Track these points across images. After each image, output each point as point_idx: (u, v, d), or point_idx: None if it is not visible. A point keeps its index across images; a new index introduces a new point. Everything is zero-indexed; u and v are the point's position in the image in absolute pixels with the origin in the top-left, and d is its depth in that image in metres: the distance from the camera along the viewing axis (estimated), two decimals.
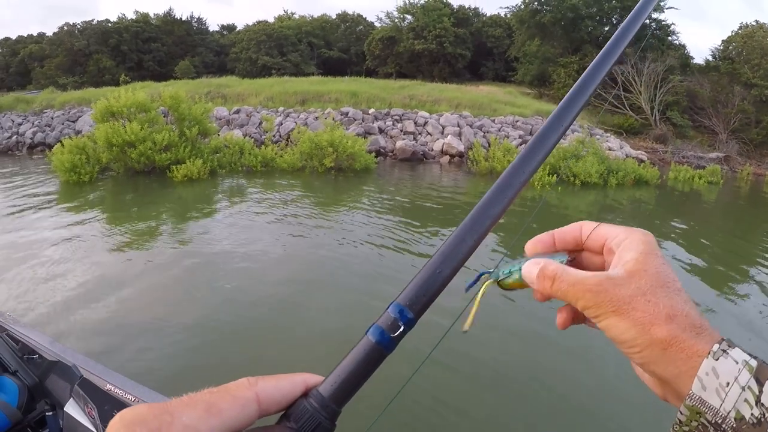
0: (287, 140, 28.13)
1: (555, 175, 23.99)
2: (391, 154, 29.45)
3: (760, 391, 0.63)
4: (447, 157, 29.25)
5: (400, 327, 0.77)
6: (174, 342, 7.70)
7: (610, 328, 0.73)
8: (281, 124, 31.20)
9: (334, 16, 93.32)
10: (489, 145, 28.04)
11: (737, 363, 0.65)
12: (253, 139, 28.14)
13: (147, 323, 8.23)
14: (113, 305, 8.96)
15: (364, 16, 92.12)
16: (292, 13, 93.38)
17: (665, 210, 23.02)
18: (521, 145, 30.14)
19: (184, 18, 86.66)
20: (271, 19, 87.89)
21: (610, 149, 32.83)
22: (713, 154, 40.52)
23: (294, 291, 9.99)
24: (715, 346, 0.66)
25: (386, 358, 0.77)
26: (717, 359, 0.65)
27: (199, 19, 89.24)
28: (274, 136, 29.74)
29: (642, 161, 31.71)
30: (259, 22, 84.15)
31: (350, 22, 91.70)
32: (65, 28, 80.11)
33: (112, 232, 13.78)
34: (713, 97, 48.06)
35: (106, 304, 8.96)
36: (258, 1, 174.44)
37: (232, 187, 20.68)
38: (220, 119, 32.40)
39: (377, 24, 80.00)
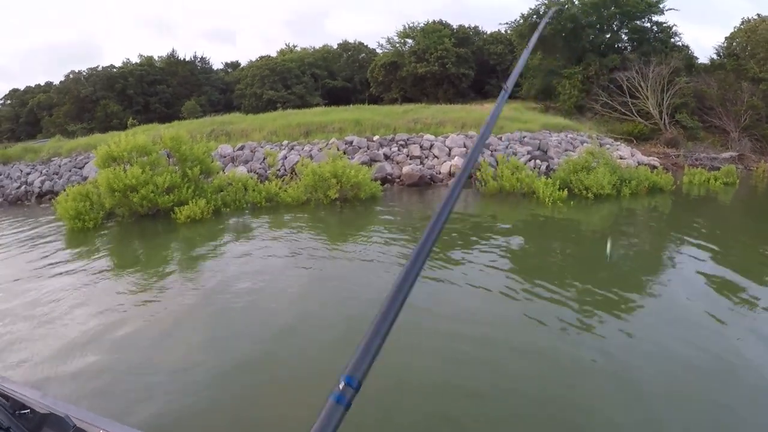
0: (292, 173, 27.71)
1: (566, 189, 23.44)
2: (398, 180, 28.98)
3: None
4: None
5: (351, 391, 1.11)
6: (191, 387, 7.73)
7: None
8: (285, 157, 30.85)
9: (335, 46, 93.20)
10: (497, 164, 27.51)
11: None
12: (257, 175, 27.89)
13: (157, 370, 8.26)
14: (120, 353, 9.01)
15: (365, 44, 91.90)
16: (294, 46, 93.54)
17: (682, 217, 22.51)
18: (530, 161, 29.78)
19: (187, 59, 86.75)
20: (273, 54, 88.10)
21: (621, 158, 32.30)
22: (726, 154, 40.09)
23: (307, 329, 9.90)
24: None
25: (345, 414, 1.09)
26: None
27: (202, 58, 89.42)
28: (278, 170, 29.42)
29: (655, 167, 31.11)
30: (261, 58, 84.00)
31: (352, 51, 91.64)
32: (71, 75, 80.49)
33: (116, 279, 13.72)
34: (721, 95, 47.34)
35: (112, 352, 9.02)
36: (260, 37, 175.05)
37: (237, 225, 20.34)
38: (225, 156, 32.08)
39: (379, 51, 79.74)
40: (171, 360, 8.74)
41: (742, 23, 52.86)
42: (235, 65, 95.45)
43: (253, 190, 23.47)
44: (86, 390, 7.74)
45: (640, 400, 7.11)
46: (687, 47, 56.38)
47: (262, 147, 33.03)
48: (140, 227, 20.48)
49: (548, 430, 6.76)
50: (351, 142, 32.03)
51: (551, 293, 11.54)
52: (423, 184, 28.49)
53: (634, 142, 43.85)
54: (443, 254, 15.00)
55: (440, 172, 29.63)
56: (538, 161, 30.30)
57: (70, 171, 34.47)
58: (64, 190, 22.11)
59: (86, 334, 9.76)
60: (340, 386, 1.10)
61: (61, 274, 14.32)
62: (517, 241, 17.62)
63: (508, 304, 11.13)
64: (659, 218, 22.52)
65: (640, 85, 47.44)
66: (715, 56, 55.50)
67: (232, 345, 9.25)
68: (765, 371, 7.89)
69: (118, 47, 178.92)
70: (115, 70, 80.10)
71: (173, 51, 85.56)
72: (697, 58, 56.58)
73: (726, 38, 54.35)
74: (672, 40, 55.42)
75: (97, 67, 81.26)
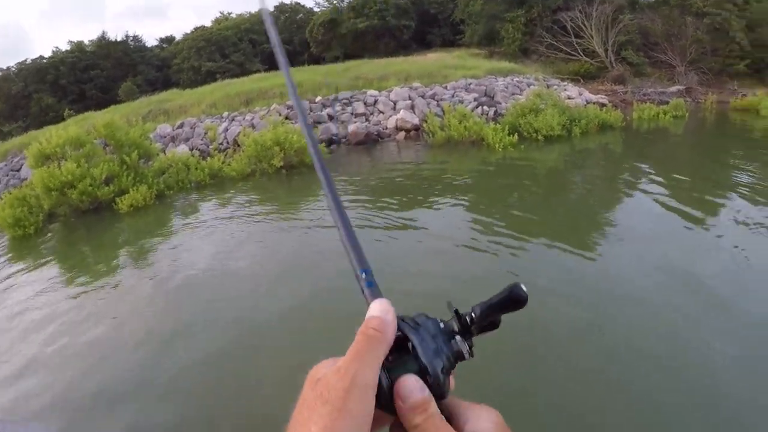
0: (236, 145, 26.75)
1: (516, 133, 22.92)
2: (344, 139, 28.07)
3: None
4: (402, 133, 27.98)
5: (369, 275, 1.05)
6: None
7: None
8: (227, 129, 29.72)
9: (271, 9, 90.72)
10: (444, 113, 26.82)
11: None
12: (199, 152, 26.94)
13: (125, 368, 8.10)
14: (83, 358, 8.70)
15: (302, 4, 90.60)
16: (229, 14, 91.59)
17: (634, 151, 22.45)
18: (477, 107, 29.21)
19: (119, 39, 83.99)
20: (208, 24, 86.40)
21: (569, 98, 32.06)
22: (674, 88, 40.36)
23: (273, 305, 9.69)
24: None
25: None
26: None
27: (135, 37, 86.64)
28: (221, 143, 28.40)
29: (604, 105, 30.88)
30: (197, 29, 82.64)
31: (289, 12, 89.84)
32: None
33: (67, 284, 12.92)
34: (666, 31, 47.49)
35: (75, 359, 8.73)
36: (193, 8, 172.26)
37: (183, 206, 19.39)
38: (165, 137, 30.81)
39: (316, 9, 78.68)
40: (137, 358, 8.42)
41: None
42: (169, 40, 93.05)
43: (196, 168, 22.42)
44: (57, 402, 7.53)
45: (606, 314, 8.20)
46: None
47: (201, 122, 31.82)
48: (85, 224, 19.30)
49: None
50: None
51: (513, 238, 11.77)
52: (370, 141, 27.69)
53: (581, 81, 43.74)
54: (398, 212, 14.94)
55: (387, 127, 28.82)
56: (485, 107, 29.69)
57: (7, 175, 32.43)
58: (1, 198, 20.81)
59: (48, 345, 9.37)
60: (362, 279, 1.02)
61: (7, 289, 13.39)
62: (470, 190, 17.35)
63: (472, 254, 11.25)
64: (611, 155, 22.45)
65: (584, 25, 47.21)
66: None
67: (199, 331, 9.03)
68: (716, 280, 9.00)
69: (46, 37, 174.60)
70: (45, 61, 77.56)
71: (103, 33, 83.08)
72: None
73: None
74: None
75: (26, 60, 78.90)
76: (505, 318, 0.94)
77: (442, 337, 0.89)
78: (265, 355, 8.05)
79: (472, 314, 0.91)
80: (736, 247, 10.46)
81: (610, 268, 9.95)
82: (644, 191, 15.48)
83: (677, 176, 17.12)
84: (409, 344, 0.87)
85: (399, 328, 0.88)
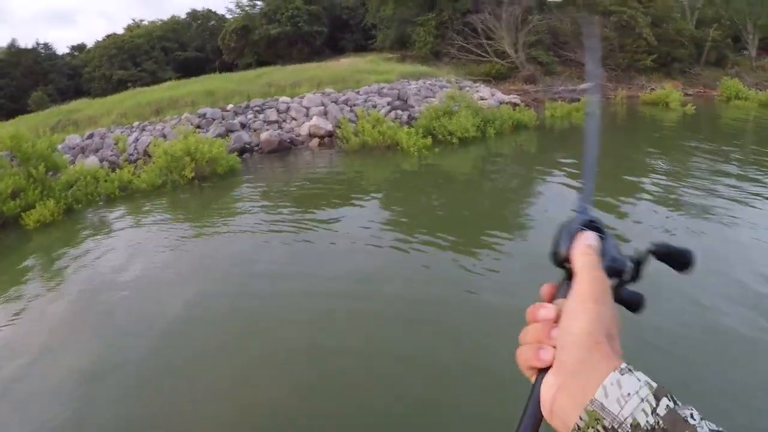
0: (147, 156, 26.16)
1: (430, 136, 22.94)
2: (257, 148, 27.66)
3: (657, 405, 0.75)
4: (316, 140, 27.74)
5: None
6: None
7: (577, 313, 0.92)
8: (137, 140, 28.98)
9: (183, 16, 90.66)
10: (357, 118, 26.72)
11: (639, 381, 0.79)
12: (109, 163, 26.27)
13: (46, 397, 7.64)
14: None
15: (214, 11, 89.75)
16: (141, 21, 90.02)
17: (548, 149, 22.93)
18: (390, 112, 29.22)
19: (29, 47, 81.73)
20: (120, 31, 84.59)
21: (482, 98, 32.47)
22: (584, 85, 40.79)
23: (197, 316, 9.69)
24: (623, 365, 0.81)
25: None
26: (623, 374, 0.80)
27: (45, 44, 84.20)
28: (131, 154, 27.73)
29: (516, 105, 31.29)
30: (108, 36, 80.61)
31: (201, 19, 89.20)
32: None
33: None
34: (574, 30, 48.30)
35: None
36: (102, 15, 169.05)
37: (93, 221, 18.74)
38: (74, 148, 29.87)
39: (228, 16, 78.09)
40: (62, 383, 7.97)
41: None
42: (81, 48, 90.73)
43: (105, 180, 21.69)
44: None
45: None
46: None
47: (111, 132, 30.97)
48: None
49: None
50: (204, 115, 30.41)
51: (425, 242, 11.88)
52: (283, 149, 27.32)
53: (493, 82, 44.35)
54: (313, 217, 15.00)
55: (300, 135, 28.52)
56: (399, 111, 29.74)
57: None
58: None
59: None
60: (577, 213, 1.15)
61: None
62: (385, 195, 17.53)
63: (387, 257, 11.39)
64: (526, 154, 22.92)
65: (495, 26, 47.53)
66: None
67: (122, 347, 8.83)
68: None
69: None
70: None
71: (13, 40, 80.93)
72: None
73: None
74: None
75: None
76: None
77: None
78: (189, 371, 7.90)
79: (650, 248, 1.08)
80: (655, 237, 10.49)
81: (518, 265, 10.20)
82: (559, 191, 15.76)
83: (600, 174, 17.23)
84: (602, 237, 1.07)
85: (602, 230, 1.09)
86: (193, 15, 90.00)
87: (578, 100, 33.85)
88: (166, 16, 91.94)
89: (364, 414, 6.53)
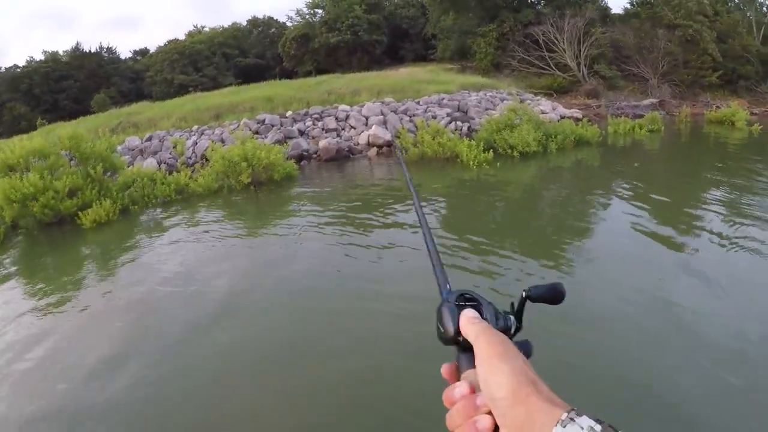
0: (204, 160, 26.12)
1: (491, 150, 22.44)
2: (315, 156, 27.48)
3: None
4: (375, 149, 27.44)
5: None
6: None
7: (492, 376, 0.92)
8: (196, 143, 29.10)
9: (244, 23, 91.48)
10: (417, 129, 26.42)
11: (582, 429, 0.78)
12: (167, 166, 26.34)
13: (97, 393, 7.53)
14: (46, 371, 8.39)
15: (275, 18, 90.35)
16: (203, 27, 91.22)
17: (612, 167, 22.15)
18: (450, 123, 28.84)
19: (93, 50, 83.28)
20: (182, 37, 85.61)
21: (543, 112, 31.87)
22: (647, 101, 40.48)
23: (248, 322, 9.47)
24: (564, 414, 0.81)
25: None
26: (565, 426, 0.79)
27: (109, 48, 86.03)
28: (189, 158, 27.79)
29: (578, 120, 30.59)
30: (170, 42, 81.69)
31: (262, 27, 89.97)
32: None
33: (25, 298, 12.44)
34: (638, 43, 47.99)
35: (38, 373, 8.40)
36: (165, 21, 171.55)
37: (148, 223, 18.79)
38: (133, 149, 30.13)
39: (289, 24, 78.59)
40: (110, 381, 7.83)
41: None
42: (143, 52, 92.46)
43: (162, 183, 21.67)
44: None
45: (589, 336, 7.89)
46: None
47: (171, 135, 31.12)
48: (48, 237, 18.71)
49: None
50: (263, 121, 30.41)
51: (486, 258, 11.45)
52: (342, 157, 27.05)
53: (554, 95, 43.68)
54: (368, 228, 14.80)
55: (358, 143, 28.28)
56: (458, 123, 29.35)
57: None
58: None
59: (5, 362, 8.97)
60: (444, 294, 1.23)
61: None
62: (442, 207, 17.04)
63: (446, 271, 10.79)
64: (588, 171, 22.07)
65: (556, 39, 47.23)
66: (628, 5, 56.13)
67: (172, 351, 8.65)
68: (685, 304, 8.68)
69: (20, 46, 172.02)
70: (19, 69, 77.23)
71: (78, 44, 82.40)
72: (611, 9, 57.65)
73: None
74: None
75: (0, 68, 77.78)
76: None
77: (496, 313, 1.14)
78: (233, 374, 7.74)
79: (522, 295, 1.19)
80: (709, 267, 10.17)
81: (581, 289, 9.58)
82: (622, 210, 15.15)
83: (655, 194, 16.75)
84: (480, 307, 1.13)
85: (476, 299, 1.16)
86: (254, 22, 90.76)
87: (641, 116, 33.22)
88: (227, 23, 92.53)
89: None
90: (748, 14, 53.72)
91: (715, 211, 14.23)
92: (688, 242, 12.01)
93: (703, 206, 15.15)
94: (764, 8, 54.91)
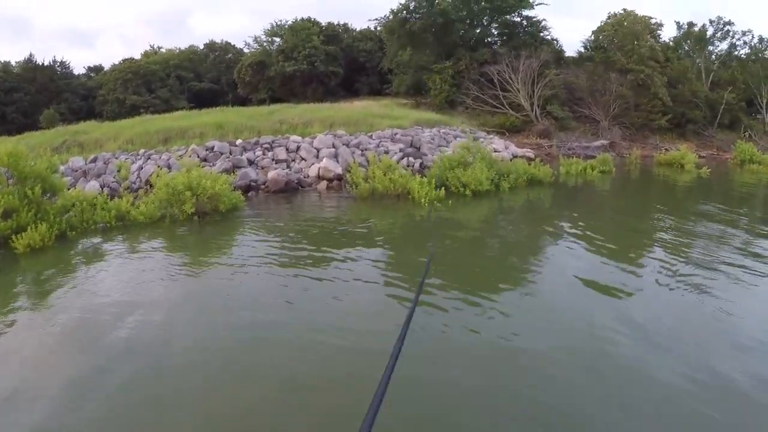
0: (149, 186, 25.42)
1: (443, 187, 22.27)
2: (263, 186, 26.87)
3: None
4: (325, 183, 26.98)
5: None
6: None
7: None
8: (141, 168, 28.31)
9: (202, 47, 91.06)
10: (368, 164, 26.08)
11: None
12: (110, 189, 25.61)
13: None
14: None
15: (232, 44, 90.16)
16: (159, 48, 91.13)
17: (563, 207, 22.34)
18: (402, 158, 28.58)
19: (46, 63, 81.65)
20: (137, 56, 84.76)
21: (495, 150, 31.98)
22: (598, 142, 41.27)
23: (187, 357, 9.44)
24: None
25: None
26: None
27: (62, 63, 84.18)
28: (134, 182, 27.05)
29: (531, 159, 30.73)
30: (125, 60, 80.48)
31: (219, 51, 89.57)
32: None
33: None
34: (590, 86, 49.04)
35: None
36: (121, 38, 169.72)
37: (86, 251, 17.91)
38: (76, 170, 29.19)
39: (246, 50, 78.47)
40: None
41: (609, 17, 54.72)
42: (97, 69, 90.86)
43: (102, 208, 20.93)
44: None
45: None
46: (556, 40, 58.38)
47: (116, 158, 30.29)
48: None
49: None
50: (212, 148, 29.81)
51: (431, 300, 11.35)
52: (290, 189, 26.53)
53: (507, 134, 44.09)
54: (314, 262, 14.64)
55: (308, 176, 27.79)
56: (411, 158, 29.12)
57: None
58: None
59: None
60: None
61: None
62: (390, 245, 16.88)
63: (386, 314, 11.07)
64: (540, 211, 22.22)
65: (511, 78, 47.72)
66: (582, 49, 57.64)
67: (102, 380, 8.59)
68: (631, 353, 9.03)
69: None
70: None
71: (31, 55, 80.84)
72: (565, 52, 58.98)
73: (593, 32, 56.25)
74: (541, 33, 56.98)
75: None
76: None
77: None
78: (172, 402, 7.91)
79: None
80: (645, 315, 10.57)
81: (517, 332, 9.87)
82: (570, 253, 15.16)
83: (604, 238, 16.89)
84: None
85: None
86: (211, 46, 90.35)
87: (592, 157, 33.92)
88: (184, 45, 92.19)
89: None
90: (697, 61, 55.85)
91: (659, 257, 14.72)
92: (631, 289, 12.11)
93: (650, 249, 15.85)
94: (713, 56, 57.49)
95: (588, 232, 17.49)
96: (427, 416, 7.33)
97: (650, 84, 47.22)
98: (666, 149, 42.19)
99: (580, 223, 18.77)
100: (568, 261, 14.41)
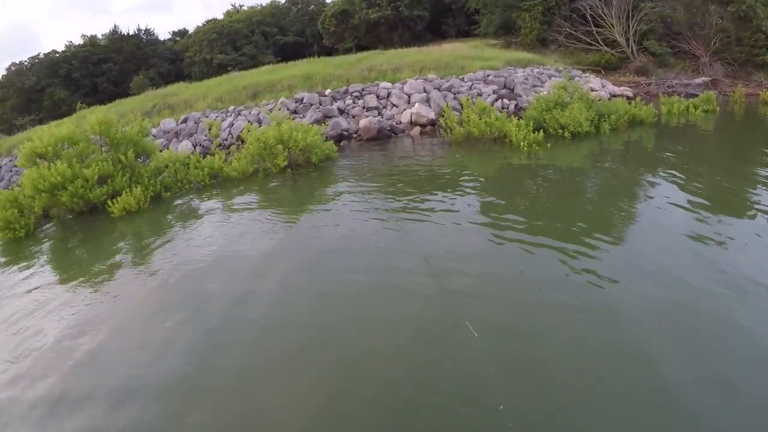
0: (241, 142, 25.21)
1: (541, 130, 21.29)
2: (356, 135, 26.54)
3: None
4: (418, 128, 26.33)
5: None
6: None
7: None
8: (232, 124, 28.28)
9: (283, 1, 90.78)
10: (462, 108, 25.25)
11: None
12: (202, 148, 25.62)
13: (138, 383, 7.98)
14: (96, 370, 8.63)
15: None
16: (241, 6, 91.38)
17: (669, 150, 20.61)
18: (497, 101, 27.65)
19: (131, 33, 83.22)
20: (220, 16, 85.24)
21: (592, 89, 30.47)
22: (699, 80, 38.78)
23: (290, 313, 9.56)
24: None
25: None
26: None
27: (147, 30, 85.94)
28: (225, 139, 27.00)
29: (630, 98, 29.31)
30: (208, 21, 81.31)
31: (301, 4, 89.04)
32: (12, 68, 77.12)
33: (56, 289, 12.62)
34: (689, 19, 45.78)
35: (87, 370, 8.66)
36: (202, 2, 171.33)
37: (180, 210, 18.10)
38: (168, 132, 29.48)
39: (328, 0, 78.10)
40: (152, 369, 8.34)
41: None
42: (182, 33, 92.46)
43: (195, 167, 21.07)
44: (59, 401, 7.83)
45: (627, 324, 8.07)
46: None
47: (207, 116, 30.40)
48: (80, 227, 18.28)
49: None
50: (302, 100, 29.51)
51: (528, 242, 11.41)
52: (383, 137, 26.07)
53: (602, 72, 42.13)
54: (412, 211, 14.35)
55: (401, 122, 27.26)
56: (505, 100, 28.18)
57: (10, 171, 31.19)
58: None
59: (44, 349, 9.55)
60: None
61: None
62: (490, 193, 16.15)
63: (494, 256, 11.08)
64: (645, 154, 20.65)
65: (604, 13, 45.41)
66: None
67: (213, 338, 8.98)
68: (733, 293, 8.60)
69: (56, 32, 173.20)
70: (57, 55, 76.89)
71: (116, 27, 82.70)
72: None
73: None
74: None
75: (39, 54, 78.16)
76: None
77: None
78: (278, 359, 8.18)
79: None
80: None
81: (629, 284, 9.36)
82: (679, 195, 14.19)
83: (718, 185, 15.68)
84: None
85: None
86: (293, 0, 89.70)
87: (694, 95, 32.06)
88: (265, 1, 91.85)
89: None
90: None
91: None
92: (745, 233, 11.28)
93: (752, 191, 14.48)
94: None
95: (701, 180, 16.29)
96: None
97: (753, 16, 43.23)
98: None
99: (687, 166, 17.58)
100: (666, 212, 13.24)
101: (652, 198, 14.40)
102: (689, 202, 13.36)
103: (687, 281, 9.17)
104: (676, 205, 13.33)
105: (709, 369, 6.91)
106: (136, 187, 18.62)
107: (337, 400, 7.02)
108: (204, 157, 22.23)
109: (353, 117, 28.09)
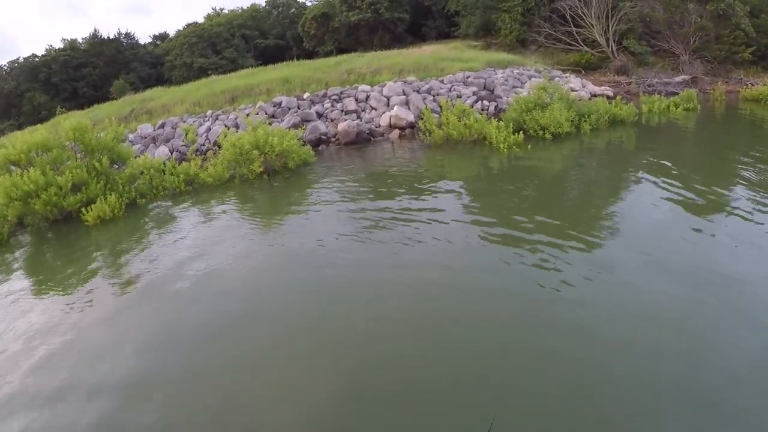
0: (218, 147, 24.96)
1: (521, 131, 21.18)
2: (334, 139, 26.36)
3: None
4: (397, 132, 26.20)
5: None
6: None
7: None
8: (209, 129, 28.02)
9: (264, 4, 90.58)
10: (441, 110, 25.09)
11: None
12: (180, 154, 25.37)
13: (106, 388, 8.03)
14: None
15: None
16: (221, 9, 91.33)
17: (650, 149, 20.58)
18: (476, 102, 27.51)
19: (111, 37, 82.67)
20: (201, 20, 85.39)
21: (572, 90, 30.35)
22: (679, 78, 39.02)
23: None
24: None
25: None
26: None
27: (127, 34, 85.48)
28: (202, 145, 26.73)
29: (611, 98, 29.25)
30: (189, 25, 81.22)
31: (282, 7, 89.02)
32: None
33: (29, 298, 12.62)
34: (668, 18, 46.05)
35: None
36: (184, 4, 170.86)
37: (155, 218, 17.91)
38: (146, 137, 29.15)
39: (308, 3, 78.43)
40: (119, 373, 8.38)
41: None
42: (163, 37, 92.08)
43: (171, 173, 20.89)
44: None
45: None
46: None
47: (184, 121, 30.17)
48: (55, 234, 18.11)
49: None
50: (280, 104, 29.29)
51: (520, 242, 11.57)
52: (362, 140, 25.92)
53: (583, 72, 42.36)
54: (390, 216, 14.25)
55: (379, 125, 27.08)
56: (485, 102, 28.10)
57: None
58: None
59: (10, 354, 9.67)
60: None
61: None
62: (470, 194, 16.23)
63: (475, 254, 11.35)
64: (626, 154, 20.60)
65: (584, 13, 45.54)
66: None
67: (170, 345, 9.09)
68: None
69: (35, 36, 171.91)
70: (37, 59, 76.47)
71: (96, 31, 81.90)
72: None
73: None
74: None
75: (18, 59, 77.95)
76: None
77: None
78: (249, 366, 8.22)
79: None
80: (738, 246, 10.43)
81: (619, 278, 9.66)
82: (660, 194, 14.22)
83: (698, 183, 15.33)
84: None
85: None
86: (273, 3, 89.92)
87: (674, 93, 32.16)
88: (246, 5, 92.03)
89: None
90: None
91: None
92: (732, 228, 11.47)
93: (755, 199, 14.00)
94: None
95: (682, 178, 15.90)
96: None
97: (731, 14, 43.74)
98: (751, 84, 39.12)
99: (672, 168, 17.16)
100: (647, 209, 13.41)
101: (631, 197, 14.56)
102: (670, 200, 13.47)
103: (667, 277, 9.33)
104: (656, 205, 13.41)
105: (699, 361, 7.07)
106: (110, 194, 18.35)
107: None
108: (180, 163, 22.03)
109: (332, 121, 27.88)
